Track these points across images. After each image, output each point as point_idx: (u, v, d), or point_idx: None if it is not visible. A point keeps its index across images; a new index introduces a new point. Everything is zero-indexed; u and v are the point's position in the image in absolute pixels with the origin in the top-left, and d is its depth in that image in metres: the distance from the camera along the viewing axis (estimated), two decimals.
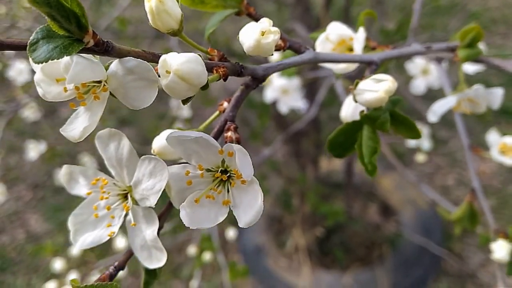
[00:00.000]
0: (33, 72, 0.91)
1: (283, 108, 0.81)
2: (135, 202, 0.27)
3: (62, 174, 0.27)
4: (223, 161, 0.26)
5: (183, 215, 0.26)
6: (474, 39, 0.41)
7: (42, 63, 0.20)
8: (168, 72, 0.23)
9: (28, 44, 0.21)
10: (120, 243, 0.89)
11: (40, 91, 0.24)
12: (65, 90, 0.24)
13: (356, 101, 0.31)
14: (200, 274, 0.99)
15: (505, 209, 1.98)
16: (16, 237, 2.25)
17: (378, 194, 2.07)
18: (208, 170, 0.27)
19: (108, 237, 0.27)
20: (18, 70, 1.19)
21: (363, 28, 0.35)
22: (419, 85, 0.72)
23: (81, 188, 0.28)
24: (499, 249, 0.50)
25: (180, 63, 0.23)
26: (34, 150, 1.06)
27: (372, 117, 0.30)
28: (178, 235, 1.35)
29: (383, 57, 0.34)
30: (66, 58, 0.22)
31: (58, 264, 0.89)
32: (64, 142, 2.32)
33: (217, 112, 0.31)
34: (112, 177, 0.28)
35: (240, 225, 0.25)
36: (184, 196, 0.26)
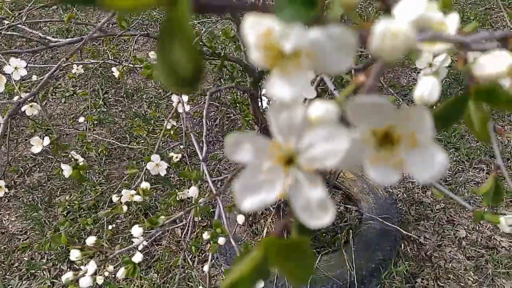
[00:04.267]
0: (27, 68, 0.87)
1: None
2: (301, 165, 0.28)
3: (227, 141, 0.27)
4: (392, 123, 0.27)
5: (374, 175, 0.27)
6: None
7: (288, 23, 0.21)
8: (394, 35, 0.24)
9: (273, 7, 0.21)
10: (136, 231, 0.87)
11: (254, 57, 0.24)
12: (264, 57, 0.24)
13: (470, 75, 0.33)
14: (210, 258, 0.99)
15: (457, 195, 2.09)
16: None
17: (342, 185, 2.13)
18: (377, 133, 0.28)
19: (276, 198, 0.28)
20: (14, 65, 1.14)
21: (456, 13, 0.38)
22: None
23: (244, 155, 0.28)
24: None
25: (405, 27, 0.24)
26: (37, 145, 1.02)
27: (488, 90, 0.32)
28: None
29: (473, 39, 0.36)
30: (283, 25, 0.23)
31: (74, 254, 0.86)
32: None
33: (352, 85, 0.32)
34: (278, 143, 0.28)
35: (420, 182, 0.26)
36: (351, 158, 0.27)
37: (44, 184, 2.25)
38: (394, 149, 0.27)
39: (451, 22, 0.37)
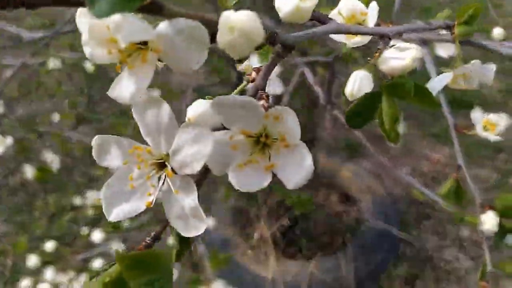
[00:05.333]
0: None
1: None
2: (173, 170, 0.27)
3: (93, 144, 0.26)
4: (264, 126, 0.26)
5: (232, 178, 0.25)
6: (472, 16, 0.42)
7: (103, 17, 0.19)
8: (231, 28, 0.23)
9: None
10: (96, 237, 0.86)
11: (88, 52, 0.23)
12: (109, 52, 0.23)
13: (379, 69, 0.31)
14: (180, 265, 0.98)
15: None
16: None
17: (339, 184, 2.11)
18: (249, 136, 0.26)
19: (145, 207, 0.26)
20: None
21: (375, 3, 0.36)
22: None
23: (112, 160, 0.27)
24: (488, 221, 0.52)
25: (245, 20, 0.22)
26: (0, 145, 1.01)
27: (396, 85, 0.30)
28: (150, 228, 1.33)
29: (395, 31, 0.35)
30: (116, 18, 0.21)
31: (32, 260, 0.85)
32: (26, 138, 2.23)
33: (245, 83, 0.30)
34: (148, 145, 0.27)
35: (289, 187, 0.25)
36: (225, 162, 0.26)
37: (27, 186, 2.25)
38: (266, 152, 0.26)
39: (371, 13, 0.36)
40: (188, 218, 0.27)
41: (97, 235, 0.86)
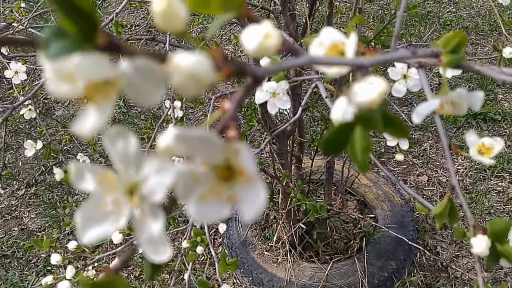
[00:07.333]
0: (28, 72, 0.89)
1: (272, 109, 0.81)
2: (142, 198, 0.27)
3: (70, 171, 0.27)
4: (226, 159, 0.26)
5: (190, 210, 0.26)
6: (458, 45, 0.41)
7: (53, 59, 0.20)
8: (178, 71, 0.23)
9: (40, 41, 0.20)
10: (115, 237, 0.88)
11: (50, 88, 0.23)
12: (75, 88, 0.24)
13: (349, 103, 0.31)
14: (191, 267, 0.98)
15: (477, 204, 2.02)
16: (9, 232, 2.22)
17: (356, 191, 2.09)
18: (212, 167, 0.27)
19: (115, 232, 0.27)
20: (14, 70, 1.17)
21: (355, 33, 0.35)
22: (400, 89, 0.73)
23: (87, 185, 0.28)
24: (479, 244, 0.50)
25: (190, 64, 0.23)
26: (30, 148, 1.04)
27: (365, 117, 0.30)
28: (170, 230, 1.34)
29: (373, 61, 0.34)
30: (77, 57, 0.22)
31: (54, 258, 0.88)
32: (57, 140, 2.29)
33: (217, 112, 0.30)
34: (119, 173, 0.27)
35: (244, 220, 0.25)
36: (190, 191, 0.26)
37: (64, 183, 2.32)
38: (229, 184, 0.26)
39: (349, 44, 0.35)
40: (156, 244, 0.27)
41: (116, 237, 0.88)
